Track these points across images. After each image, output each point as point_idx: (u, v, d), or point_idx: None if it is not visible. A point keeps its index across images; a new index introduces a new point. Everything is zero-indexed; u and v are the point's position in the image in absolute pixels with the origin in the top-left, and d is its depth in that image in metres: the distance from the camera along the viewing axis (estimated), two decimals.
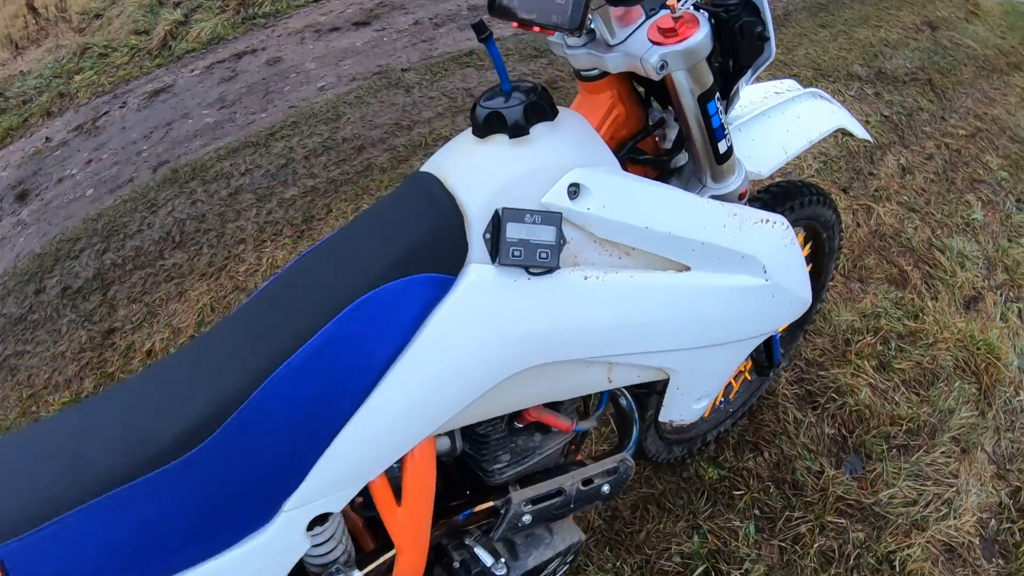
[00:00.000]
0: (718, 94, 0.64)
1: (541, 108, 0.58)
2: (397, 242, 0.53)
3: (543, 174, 0.56)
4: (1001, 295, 1.53)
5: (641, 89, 0.72)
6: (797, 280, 0.69)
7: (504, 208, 0.54)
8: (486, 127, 0.58)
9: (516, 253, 0.53)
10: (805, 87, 0.90)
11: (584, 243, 0.57)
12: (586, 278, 0.57)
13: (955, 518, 1.16)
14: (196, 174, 2.13)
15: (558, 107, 0.61)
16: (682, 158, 0.74)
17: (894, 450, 1.22)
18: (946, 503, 1.17)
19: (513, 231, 0.54)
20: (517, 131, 0.57)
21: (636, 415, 0.79)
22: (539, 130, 0.58)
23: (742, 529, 1.10)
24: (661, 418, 0.73)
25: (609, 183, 0.58)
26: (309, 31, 2.92)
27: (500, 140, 0.57)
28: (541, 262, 0.54)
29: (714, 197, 0.69)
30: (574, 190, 0.56)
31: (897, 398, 1.29)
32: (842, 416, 1.26)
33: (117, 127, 2.91)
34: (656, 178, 0.73)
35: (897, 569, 1.09)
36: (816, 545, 1.09)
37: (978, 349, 1.37)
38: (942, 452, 1.22)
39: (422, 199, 0.57)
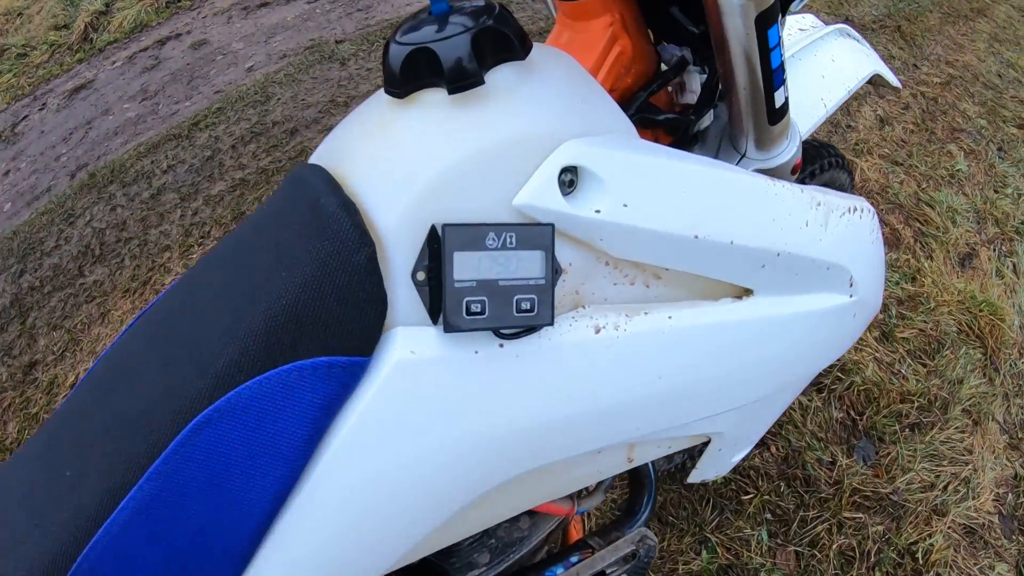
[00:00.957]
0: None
1: (502, 39, 0.32)
2: (255, 306, 0.31)
3: (514, 155, 0.32)
4: (994, 249, 1.42)
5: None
6: (879, 285, 0.47)
7: (446, 225, 0.31)
8: (407, 78, 0.32)
9: (475, 307, 0.31)
10: (827, 23, 0.71)
11: (591, 269, 0.35)
12: (599, 330, 0.34)
13: (974, 498, 1.06)
14: (115, 176, 1.85)
15: (532, 42, 0.36)
16: (706, 118, 0.51)
17: (907, 430, 1.09)
18: (964, 483, 1.07)
19: (466, 266, 0.31)
20: (462, 79, 0.31)
21: (654, 479, 0.57)
22: (501, 77, 0.33)
23: (754, 537, 0.96)
24: (692, 480, 0.55)
25: (629, 164, 0.34)
26: (236, 9, 2.62)
27: (433, 99, 0.33)
28: (522, 319, 0.32)
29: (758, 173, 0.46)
30: (569, 179, 0.33)
31: (904, 371, 1.16)
32: (850, 397, 1.12)
33: (36, 132, 2.61)
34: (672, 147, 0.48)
35: (920, 561, 0.99)
36: (835, 545, 0.96)
37: (980, 311, 1.25)
38: (956, 427, 1.10)
39: (302, 217, 0.33)
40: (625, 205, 0.33)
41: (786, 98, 0.44)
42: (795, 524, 0.97)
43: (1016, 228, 1.46)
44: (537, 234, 0.32)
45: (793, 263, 0.39)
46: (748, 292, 0.40)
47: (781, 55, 0.41)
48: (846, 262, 0.41)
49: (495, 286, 0.31)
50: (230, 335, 0.30)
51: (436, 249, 0.31)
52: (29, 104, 2.85)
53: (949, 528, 1.02)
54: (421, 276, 0.31)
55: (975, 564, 1.01)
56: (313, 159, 0.38)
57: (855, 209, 0.43)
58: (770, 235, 0.37)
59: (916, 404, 1.12)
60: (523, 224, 0.32)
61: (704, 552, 0.94)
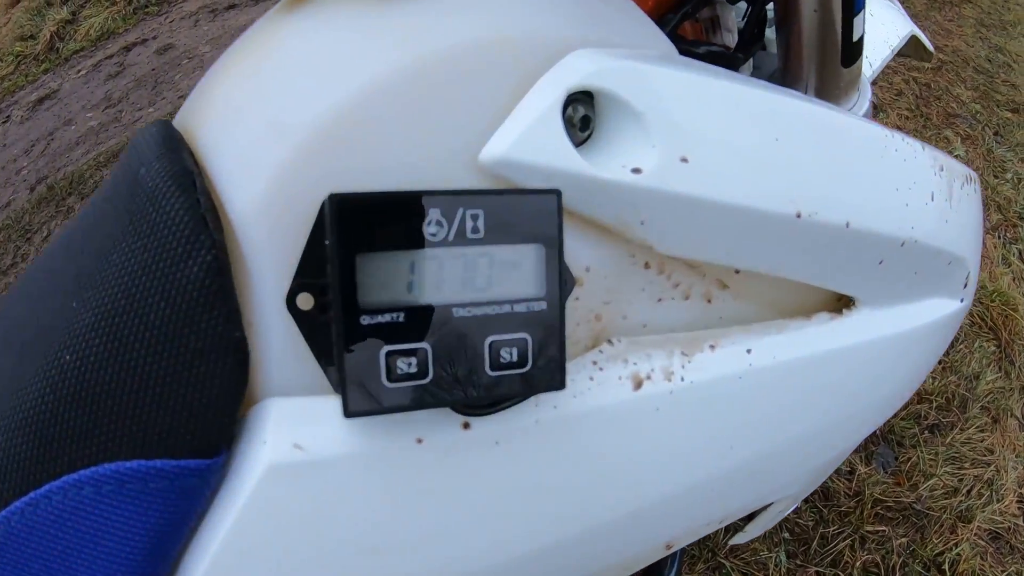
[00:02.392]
0: None
1: None
2: (24, 371, 0.19)
3: (478, 72, 0.19)
4: (999, 236, 1.35)
5: None
6: (976, 281, 0.35)
7: (336, 196, 0.17)
8: None
9: (405, 365, 0.17)
10: None
11: (622, 276, 0.22)
12: (640, 384, 0.21)
13: (998, 501, 1.00)
14: (74, 188, 1.73)
15: None
16: (745, 66, 0.40)
17: (926, 432, 1.02)
18: (987, 485, 1.01)
19: (384, 280, 0.17)
20: None
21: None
22: None
23: (772, 559, 0.87)
24: (738, 542, 0.44)
25: (688, 91, 0.21)
26: (204, 12, 2.51)
27: None
28: (504, 382, 0.19)
29: None
30: (582, 116, 0.20)
31: None
32: None
33: None
34: None
35: (947, 572, 0.92)
36: (858, 563, 0.88)
37: (992, 301, 1.18)
38: (976, 426, 1.03)
39: (116, 205, 0.20)
40: (684, 160, 0.20)
41: (865, 29, 0.33)
42: (815, 542, 0.89)
43: (1019, 214, 1.40)
44: (529, 209, 0.18)
45: (917, 256, 0.26)
46: (848, 303, 0.27)
47: None
48: (967, 254, 0.30)
49: (446, 319, 0.17)
50: None
51: (322, 242, 0.18)
52: None
53: (975, 535, 0.95)
54: (307, 301, 0.18)
55: (1003, 571, 0.95)
56: (178, 118, 0.24)
57: (970, 179, 0.31)
58: (895, 214, 0.25)
59: (934, 404, 1.04)
60: (500, 192, 0.18)
61: None
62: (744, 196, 0.21)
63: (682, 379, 0.22)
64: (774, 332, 0.24)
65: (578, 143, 0.20)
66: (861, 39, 0.35)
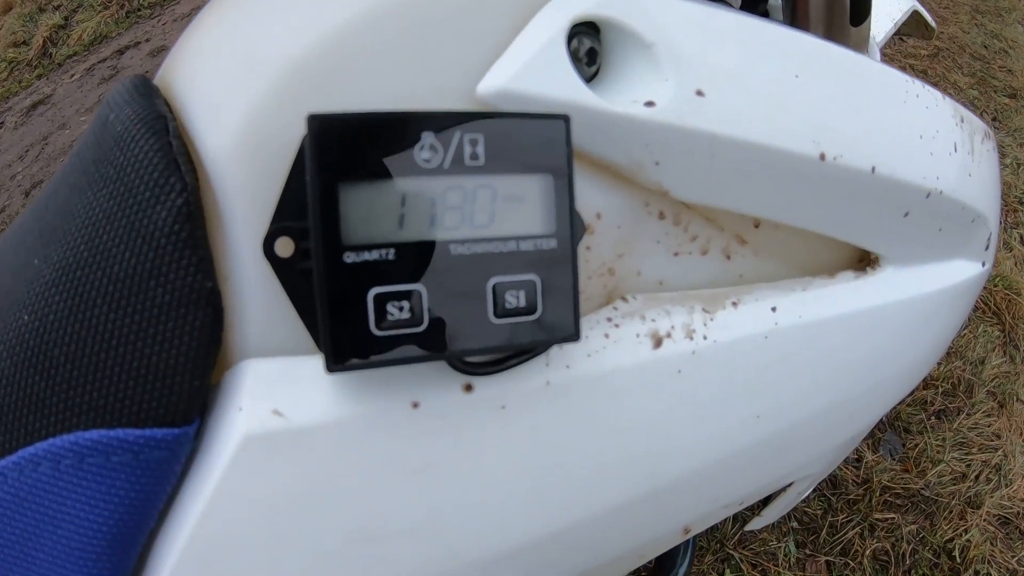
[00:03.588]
0: None
1: None
2: None
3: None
4: (1000, 222, 1.34)
5: None
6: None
7: (315, 116, 0.15)
8: None
9: (397, 309, 0.15)
10: None
11: (635, 226, 0.20)
12: (660, 342, 0.19)
13: (1006, 486, 0.99)
14: None
15: None
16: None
17: (933, 417, 1.00)
18: (995, 470, 0.99)
19: (372, 215, 0.15)
20: None
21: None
22: None
23: (781, 549, 0.86)
24: (753, 527, 0.43)
25: (700, 20, 0.19)
26: (197, 14, 2.50)
27: None
28: (511, 329, 0.16)
29: None
30: (589, 49, 0.18)
31: None
32: None
33: None
34: None
35: (957, 559, 0.91)
36: (868, 551, 0.87)
37: (995, 286, 1.17)
38: (982, 411, 1.02)
39: (84, 154, 0.18)
40: (700, 93, 0.18)
41: None
42: (824, 531, 0.87)
43: (1019, 199, 1.39)
44: (535, 135, 0.16)
45: (942, 210, 0.25)
46: (871, 260, 0.25)
47: None
48: (989, 212, 0.28)
49: (444, 257, 0.15)
50: None
51: (304, 173, 0.16)
52: None
53: (984, 521, 0.94)
54: (286, 247, 0.16)
55: (1012, 556, 0.94)
56: (159, 73, 0.22)
57: (988, 135, 0.30)
58: (921, 161, 0.23)
59: (940, 389, 1.03)
60: (503, 114, 0.16)
61: (727, 571, 0.83)
62: (765, 134, 0.19)
63: (705, 337, 0.19)
64: (799, 290, 0.22)
65: (586, 78, 0.18)
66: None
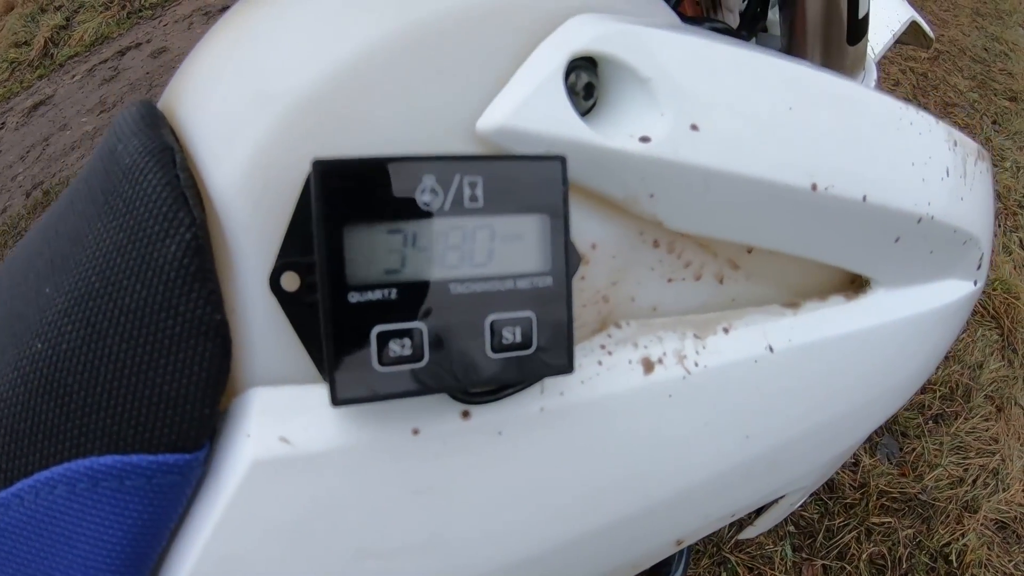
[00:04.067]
0: None
1: None
2: (2, 363, 0.17)
3: (475, 36, 0.18)
4: (999, 225, 1.34)
5: None
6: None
7: (321, 162, 0.15)
8: None
9: (399, 346, 0.16)
10: None
11: (630, 254, 0.20)
12: (651, 367, 0.20)
13: (1003, 490, 1.00)
14: None
15: None
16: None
17: (930, 422, 1.00)
18: (992, 474, 1.00)
19: (375, 254, 0.16)
20: None
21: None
22: None
23: (777, 553, 0.86)
24: (747, 536, 0.43)
25: (696, 56, 0.20)
26: (198, 15, 2.50)
27: None
28: (508, 365, 0.17)
29: None
30: (586, 84, 0.19)
31: None
32: None
33: None
34: None
35: (954, 563, 0.91)
36: (864, 555, 0.87)
37: (993, 289, 1.17)
38: (980, 416, 1.02)
39: (92, 183, 0.19)
40: (694, 127, 0.18)
41: (870, 7, 0.32)
42: (820, 535, 0.88)
43: (1019, 202, 1.39)
44: (532, 176, 0.16)
45: (934, 234, 0.25)
46: (861, 284, 0.26)
47: None
48: (981, 233, 0.29)
49: (443, 296, 0.16)
50: None
51: (309, 216, 0.16)
52: None
53: (981, 525, 0.94)
54: (292, 281, 0.17)
55: (1009, 561, 0.94)
56: (163, 98, 0.23)
57: (982, 156, 0.30)
58: (912, 188, 0.24)
59: (938, 394, 1.03)
60: (501, 157, 0.17)
61: (724, 574, 0.84)
62: (758, 167, 0.20)
63: (696, 363, 0.20)
64: (789, 314, 0.23)
65: (582, 112, 0.18)
66: (867, 16, 0.34)
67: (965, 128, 1.55)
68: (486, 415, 0.18)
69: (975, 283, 0.31)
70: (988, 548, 0.93)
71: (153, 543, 0.17)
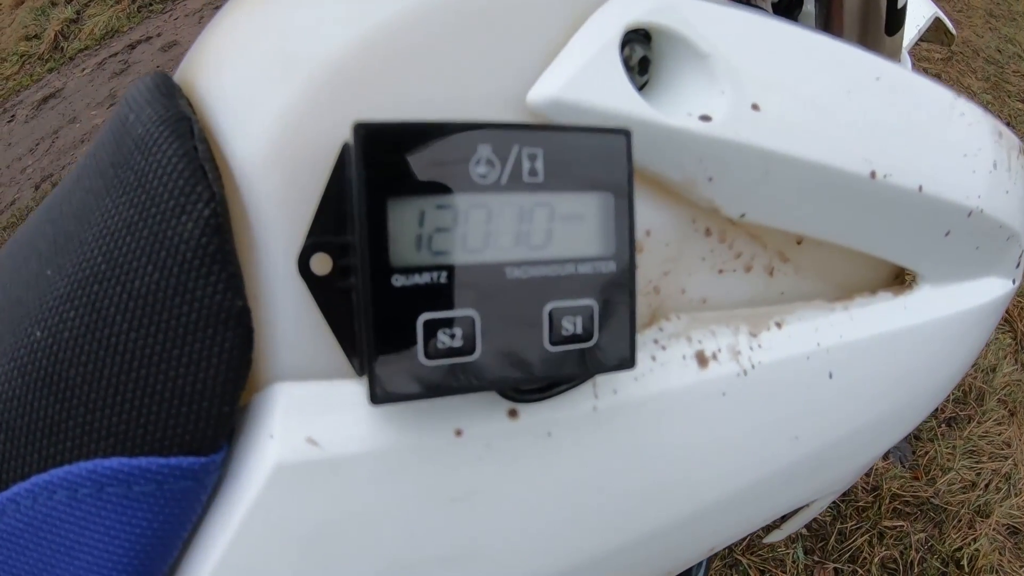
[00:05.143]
0: None
1: None
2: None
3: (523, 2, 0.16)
4: None
5: None
6: None
7: (362, 124, 0.13)
8: None
9: (448, 336, 0.14)
10: None
11: (683, 242, 0.19)
12: (706, 362, 0.18)
13: (1016, 495, 0.98)
14: None
15: None
16: None
17: (943, 425, 0.99)
18: (1005, 479, 0.99)
19: (419, 230, 0.14)
20: None
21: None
22: None
23: (789, 556, 0.85)
24: (771, 540, 0.42)
25: (755, 32, 0.18)
26: (208, 9, 2.50)
27: None
28: (567, 358, 0.15)
29: None
30: (641, 58, 0.18)
31: None
32: None
33: (3, 144, 2.50)
34: None
35: (966, 568, 0.90)
36: (876, 558, 0.86)
37: None
38: (993, 420, 1.01)
39: (102, 157, 0.16)
40: (755, 107, 0.17)
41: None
42: (833, 538, 0.87)
43: None
44: (595, 151, 0.15)
45: (981, 229, 0.24)
46: (905, 279, 0.25)
47: None
48: (1021, 229, 0.27)
49: (498, 280, 0.14)
50: None
51: (346, 192, 0.15)
52: None
53: (993, 530, 0.93)
54: (323, 264, 0.15)
55: (1021, 566, 0.93)
56: (179, 71, 0.21)
57: (1022, 150, 0.30)
58: (965, 180, 0.23)
59: (951, 397, 1.02)
60: (564, 128, 0.15)
61: None
62: (818, 151, 0.18)
63: (750, 359, 0.19)
64: (840, 309, 0.22)
65: (637, 88, 0.17)
66: (905, 6, 0.33)
67: None
68: (535, 414, 0.16)
69: (1014, 281, 0.30)
70: (1000, 553, 0.92)
71: (163, 555, 0.15)
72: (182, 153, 0.14)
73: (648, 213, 0.18)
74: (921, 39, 0.70)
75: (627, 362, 0.16)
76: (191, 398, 0.14)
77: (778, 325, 0.20)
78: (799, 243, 0.21)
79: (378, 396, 0.14)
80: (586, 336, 0.15)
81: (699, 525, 0.19)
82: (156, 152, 0.15)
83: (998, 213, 0.25)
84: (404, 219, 0.14)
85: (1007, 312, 1.15)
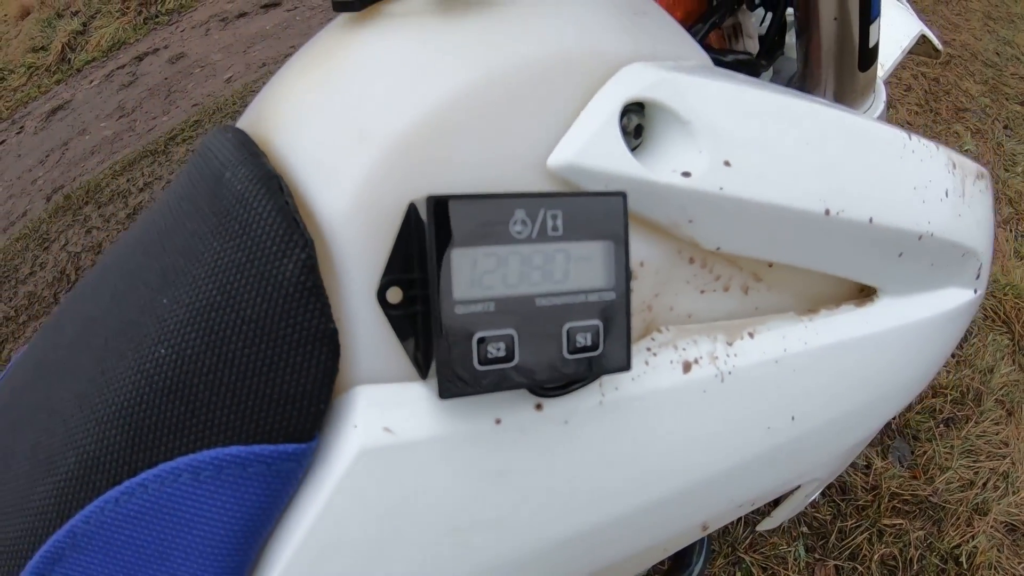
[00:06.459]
0: None
1: None
2: (120, 363, 0.20)
3: (544, 86, 0.21)
4: (1011, 230, 1.35)
5: None
6: (989, 273, 0.37)
7: (437, 198, 0.19)
8: None
9: (495, 349, 0.19)
10: None
11: (671, 270, 0.24)
12: (689, 367, 0.23)
13: (1013, 493, 1.01)
14: (90, 197, 1.76)
15: None
16: (766, 72, 0.42)
17: (941, 425, 1.02)
18: (1003, 477, 1.01)
19: (475, 274, 0.19)
20: None
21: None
22: None
23: (791, 553, 0.88)
24: (764, 528, 0.46)
25: (730, 100, 0.23)
26: (215, 20, 2.54)
27: (406, 8, 0.22)
28: (580, 363, 0.20)
29: None
30: (636, 126, 0.23)
31: None
32: None
33: (13, 156, 2.54)
34: None
35: (964, 565, 0.93)
36: (876, 556, 0.89)
37: (1004, 295, 1.19)
38: (991, 419, 1.04)
39: (200, 206, 0.22)
40: (727, 163, 0.22)
41: (880, 36, 0.35)
42: (833, 536, 0.90)
43: None
44: (600, 210, 0.19)
45: (933, 249, 0.29)
46: (869, 293, 0.29)
47: None
48: (978, 246, 0.32)
49: (530, 308, 0.19)
50: (84, 413, 0.20)
51: (420, 245, 0.19)
52: (7, 128, 2.77)
53: (991, 527, 0.96)
54: (396, 295, 0.19)
55: (1020, 563, 0.96)
56: (239, 122, 0.26)
57: (981, 175, 0.33)
58: (914, 209, 0.27)
59: (949, 398, 1.05)
60: (576, 194, 0.20)
61: (738, 573, 0.86)
62: (779, 196, 0.23)
63: (725, 363, 0.24)
64: (806, 320, 0.26)
65: (632, 149, 0.22)
66: (876, 45, 0.37)
67: (976, 133, 1.57)
68: (555, 407, 0.21)
69: (975, 291, 0.34)
70: (998, 550, 0.94)
71: (267, 524, 0.19)
72: (278, 208, 0.19)
73: (642, 248, 0.23)
74: (911, 52, 0.73)
75: (624, 366, 0.21)
76: (293, 398, 0.19)
77: (750, 335, 0.24)
78: (770, 266, 0.25)
79: (447, 392, 0.19)
80: (594, 347, 0.20)
81: (690, 499, 0.24)
82: (256, 206, 0.19)
83: (949, 235, 0.30)
84: (463, 265, 0.18)
85: (1005, 313, 1.18)
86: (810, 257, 0.26)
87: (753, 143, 0.23)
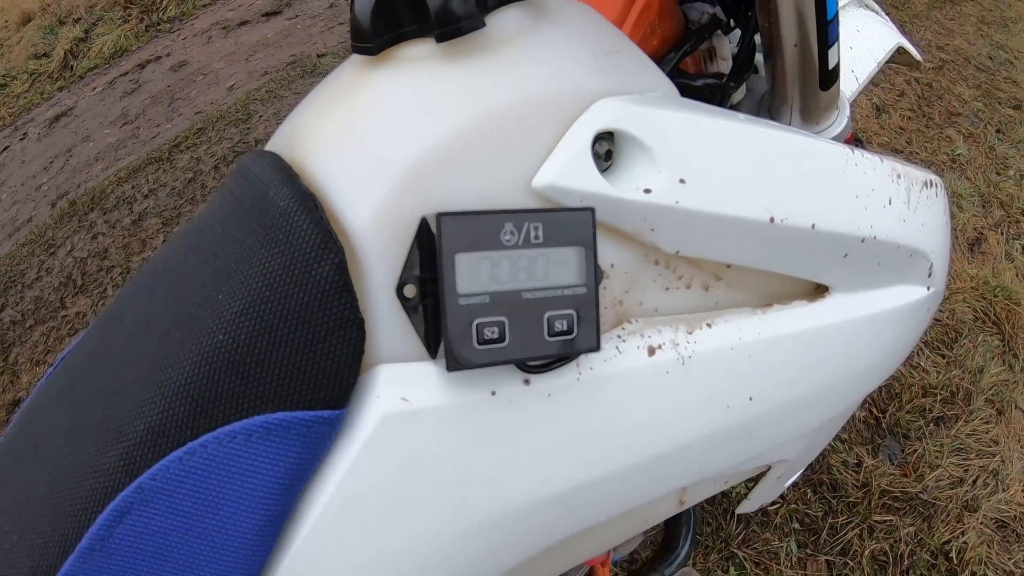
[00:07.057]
0: None
1: None
2: (182, 346, 0.24)
3: (530, 119, 0.25)
4: (1002, 233, 1.39)
5: None
6: (947, 274, 0.41)
7: (443, 215, 0.24)
8: (381, 26, 0.25)
9: (491, 332, 0.24)
10: None
11: (638, 271, 0.28)
12: (653, 352, 0.27)
13: (1003, 490, 1.04)
14: (95, 203, 1.81)
15: None
16: (739, 91, 0.46)
17: (931, 424, 1.05)
18: (992, 475, 1.04)
19: (474, 273, 0.24)
20: (453, 21, 0.24)
21: (693, 509, 0.50)
22: (506, 20, 0.26)
23: (783, 549, 0.91)
24: (743, 510, 0.49)
25: (685, 127, 0.27)
26: (216, 28, 2.59)
27: (416, 53, 0.26)
28: (558, 344, 0.25)
29: None
30: (606, 151, 0.26)
31: (924, 363, 1.12)
32: (871, 394, 1.08)
33: (17, 162, 2.58)
34: None
35: (954, 560, 0.95)
36: (867, 551, 0.92)
37: (995, 296, 1.22)
38: (980, 418, 1.07)
39: (246, 219, 0.26)
40: (682, 181, 0.26)
41: (839, 58, 0.38)
42: (824, 532, 0.93)
43: (1022, 210, 1.44)
44: (573, 222, 0.24)
45: (878, 250, 0.32)
46: (823, 290, 0.33)
47: (837, 4, 0.35)
48: (927, 247, 0.35)
49: (517, 300, 0.24)
50: (150, 389, 0.24)
51: (430, 251, 0.24)
52: (10, 135, 2.81)
53: (981, 524, 0.98)
54: (411, 291, 0.24)
55: (1009, 559, 0.98)
56: (268, 145, 0.30)
57: (931, 184, 0.37)
58: (855, 216, 0.31)
59: (939, 397, 1.08)
60: (553, 210, 0.24)
61: (732, 568, 0.89)
62: (729, 207, 0.27)
63: (686, 349, 0.28)
64: (759, 315, 0.30)
65: (602, 171, 0.26)
66: (837, 66, 0.41)
67: (969, 137, 1.60)
68: (540, 382, 0.26)
69: (928, 288, 0.37)
70: (988, 546, 0.97)
71: (304, 477, 0.24)
72: (315, 221, 0.24)
73: (612, 252, 0.27)
74: (891, 63, 0.77)
75: (595, 347, 0.26)
76: (328, 373, 0.23)
77: (708, 325, 0.29)
78: (729, 267, 0.29)
79: (452, 366, 0.24)
80: (570, 331, 0.25)
81: (659, 466, 0.28)
82: (297, 220, 0.24)
83: (894, 238, 0.33)
84: (465, 266, 0.23)
85: (995, 314, 1.21)
86: (761, 259, 0.30)
87: (705, 163, 0.27)
